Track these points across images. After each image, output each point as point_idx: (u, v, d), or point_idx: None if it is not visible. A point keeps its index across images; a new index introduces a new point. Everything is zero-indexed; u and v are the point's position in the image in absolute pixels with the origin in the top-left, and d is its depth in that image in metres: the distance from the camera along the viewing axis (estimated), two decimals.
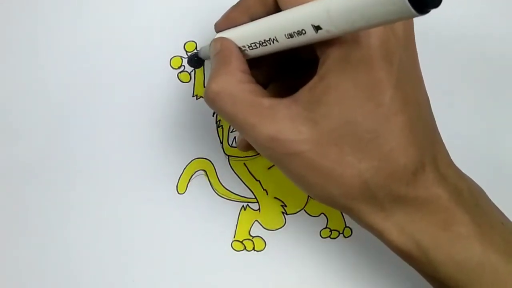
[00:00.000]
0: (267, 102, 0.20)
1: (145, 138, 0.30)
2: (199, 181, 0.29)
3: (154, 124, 0.30)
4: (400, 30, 0.19)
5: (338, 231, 0.29)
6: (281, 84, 0.25)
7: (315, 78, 0.19)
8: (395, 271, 0.28)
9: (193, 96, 0.30)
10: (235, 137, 0.30)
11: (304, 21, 0.18)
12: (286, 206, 0.29)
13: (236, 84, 0.21)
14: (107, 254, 0.29)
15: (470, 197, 0.20)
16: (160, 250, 0.29)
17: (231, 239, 0.29)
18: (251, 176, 0.29)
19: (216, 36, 0.24)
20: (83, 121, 0.30)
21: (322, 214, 0.29)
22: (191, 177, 0.29)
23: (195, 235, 0.29)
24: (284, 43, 0.19)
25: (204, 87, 0.30)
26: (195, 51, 0.30)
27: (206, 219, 0.29)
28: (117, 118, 0.30)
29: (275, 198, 0.29)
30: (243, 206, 0.29)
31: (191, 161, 0.30)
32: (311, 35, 0.18)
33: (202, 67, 0.30)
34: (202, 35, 0.31)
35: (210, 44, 0.24)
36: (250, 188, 0.29)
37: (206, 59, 0.30)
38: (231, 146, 0.30)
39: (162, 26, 0.31)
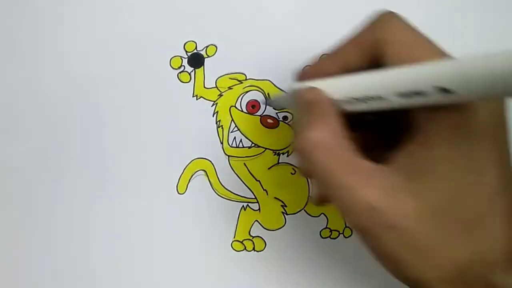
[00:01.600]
0: (366, 165, 0.19)
1: (145, 138, 0.30)
2: (199, 181, 0.29)
3: (154, 124, 0.30)
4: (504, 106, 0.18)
5: (338, 231, 0.29)
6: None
7: (417, 145, 0.18)
8: None
9: (193, 96, 0.30)
10: (235, 137, 0.30)
11: (427, 81, 0.16)
12: (286, 206, 0.29)
13: (335, 138, 0.19)
14: (107, 254, 0.29)
15: None
16: (160, 250, 0.29)
17: (231, 239, 0.29)
18: (251, 176, 0.29)
19: (302, 85, 0.22)
20: (83, 121, 0.30)
21: (322, 214, 0.29)
22: (191, 177, 0.29)
23: (195, 235, 0.29)
24: (392, 101, 0.18)
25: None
26: (269, 98, 0.29)
27: (206, 219, 0.29)
28: (117, 118, 0.30)
29: (275, 198, 0.29)
30: (243, 206, 0.29)
31: (191, 161, 0.30)
32: (431, 97, 0.16)
33: (202, 67, 0.30)
34: (202, 35, 0.31)
35: (293, 93, 0.22)
36: (250, 188, 0.29)
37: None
38: (231, 146, 0.30)
39: (162, 26, 0.31)
